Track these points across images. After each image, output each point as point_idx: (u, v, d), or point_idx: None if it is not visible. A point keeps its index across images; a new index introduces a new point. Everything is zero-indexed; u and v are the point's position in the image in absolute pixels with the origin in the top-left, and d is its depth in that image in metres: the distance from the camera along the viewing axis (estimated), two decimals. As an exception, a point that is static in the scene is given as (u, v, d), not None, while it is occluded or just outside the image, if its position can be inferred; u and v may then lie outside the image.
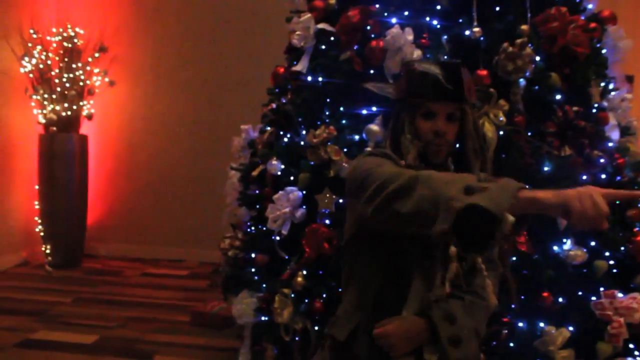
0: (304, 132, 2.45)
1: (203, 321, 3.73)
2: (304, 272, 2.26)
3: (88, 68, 5.33)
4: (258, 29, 5.34)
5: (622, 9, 5.15)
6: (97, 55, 5.37)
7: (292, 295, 2.26)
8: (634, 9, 5.24)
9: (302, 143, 2.42)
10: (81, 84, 5.26)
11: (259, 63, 4.61)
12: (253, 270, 2.55)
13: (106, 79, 5.46)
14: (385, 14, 2.37)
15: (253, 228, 2.68)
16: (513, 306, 2.09)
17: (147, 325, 3.71)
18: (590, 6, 2.72)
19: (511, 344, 2.14)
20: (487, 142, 2.10)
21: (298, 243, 2.30)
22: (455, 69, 1.47)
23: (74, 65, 5.20)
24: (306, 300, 2.25)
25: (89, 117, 5.35)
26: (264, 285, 2.46)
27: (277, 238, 2.41)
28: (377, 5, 2.41)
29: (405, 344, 1.42)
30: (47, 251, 5.10)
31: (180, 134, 5.61)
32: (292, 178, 2.39)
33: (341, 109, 2.34)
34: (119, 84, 5.54)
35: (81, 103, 5.29)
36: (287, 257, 2.39)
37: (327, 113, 2.40)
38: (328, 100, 2.40)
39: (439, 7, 2.31)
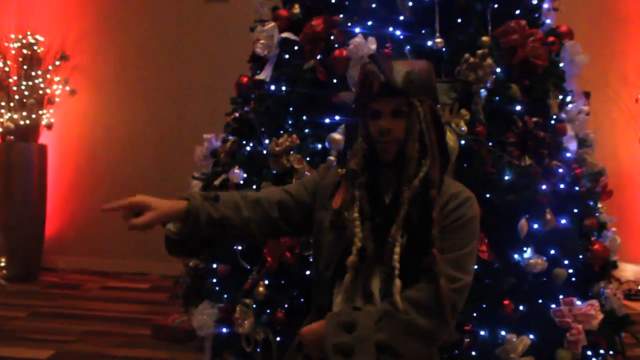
0: (266, 141, 2.44)
1: (164, 334, 3.65)
2: (266, 282, 2.23)
3: (48, 76, 5.21)
4: (222, 37, 5.31)
5: (578, 26, 5.31)
6: (57, 63, 5.27)
7: (254, 306, 2.22)
8: (590, 26, 5.40)
9: (264, 152, 2.40)
10: (41, 92, 5.14)
11: (223, 72, 4.59)
12: (214, 280, 2.51)
13: (67, 88, 5.35)
14: (349, 24, 2.39)
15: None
16: (475, 314, 2.10)
17: (106, 340, 3.61)
18: (548, 21, 2.79)
19: (473, 353, 2.14)
20: (449, 151, 2.12)
21: (260, 252, 2.27)
22: (385, 63, 1.43)
23: (33, 73, 5.09)
24: (268, 311, 2.23)
25: (49, 126, 5.24)
26: (225, 296, 2.42)
27: (239, 248, 2.38)
28: (341, 15, 2.42)
29: (316, 348, 1.39)
30: (2, 264, 4.94)
31: (142, 143, 5.52)
32: (254, 187, 2.37)
33: (304, 117, 2.34)
34: (80, 93, 5.44)
35: (40, 112, 5.17)
36: (248, 267, 2.36)
37: (290, 122, 2.39)
38: (291, 109, 2.39)
39: (402, 18, 2.33)
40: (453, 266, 1.39)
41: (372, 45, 2.20)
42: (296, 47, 2.51)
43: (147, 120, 5.52)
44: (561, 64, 2.68)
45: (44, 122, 5.22)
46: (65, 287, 4.91)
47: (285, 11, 2.59)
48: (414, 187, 1.38)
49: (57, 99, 5.31)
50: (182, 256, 1.50)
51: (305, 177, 1.48)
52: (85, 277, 5.30)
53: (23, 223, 5.05)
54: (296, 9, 2.54)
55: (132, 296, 4.75)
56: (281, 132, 2.40)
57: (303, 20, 2.54)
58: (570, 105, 2.58)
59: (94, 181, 5.58)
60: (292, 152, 2.26)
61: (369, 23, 2.33)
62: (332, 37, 2.37)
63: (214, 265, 2.54)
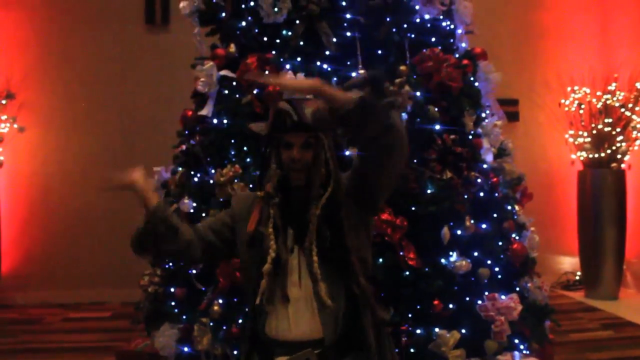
0: (212, 171, 2.64)
1: (129, 359, 3.76)
2: (220, 301, 2.43)
3: (-5, 116, 5.26)
4: (166, 68, 5.45)
5: (504, 41, 5.70)
6: (4, 102, 5.31)
7: (211, 324, 2.42)
8: (514, 41, 5.81)
9: (211, 182, 2.60)
10: (-12, 132, 5.18)
11: (169, 102, 4.76)
12: (173, 303, 2.69)
13: (15, 125, 5.40)
14: (281, 60, 2.62)
15: (171, 264, 2.82)
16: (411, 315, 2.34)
17: (70, 371, 3.70)
18: (463, 45, 3.08)
19: (412, 350, 2.39)
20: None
21: (213, 275, 2.47)
22: (298, 103, 1.68)
23: (-21, 114, 5.12)
24: (224, 327, 2.42)
25: (-1, 164, 5.27)
26: (184, 317, 2.60)
27: (194, 271, 2.57)
28: (273, 52, 2.66)
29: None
30: (-41, 305, 4.93)
31: (94, 176, 5.58)
32: (203, 215, 2.56)
33: (245, 148, 2.55)
34: (29, 129, 5.47)
35: (-12, 151, 5.19)
36: (203, 289, 2.55)
37: (232, 153, 2.60)
38: (233, 140, 2.60)
39: (328, 53, 2.58)
40: None
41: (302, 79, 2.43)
42: (234, 83, 2.73)
43: (97, 153, 5.58)
44: (477, 83, 2.97)
45: (-6, 161, 5.23)
46: (25, 323, 4.92)
47: (222, 50, 2.80)
48: (321, 205, 1.64)
49: (4, 138, 5.34)
50: (141, 249, 1.77)
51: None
52: (46, 311, 5.31)
53: (-23, 262, 5.04)
54: (232, 48, 2.76)
55: (94, 325, 4.81)
56: (225, 162, 2.61)
57: (239, 57, 2.75)
58: (485, 121, 2.86)
59: (48, 215, 5.60)
60: (236, 181, 2.47)
61: (298, 59, 2.56)
62: (266, 73, 2.59)
63: (172, 289, 2.71)
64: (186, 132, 3.03)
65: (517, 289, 2.73)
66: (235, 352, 2.39)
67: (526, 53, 5.91)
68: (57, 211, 5.60)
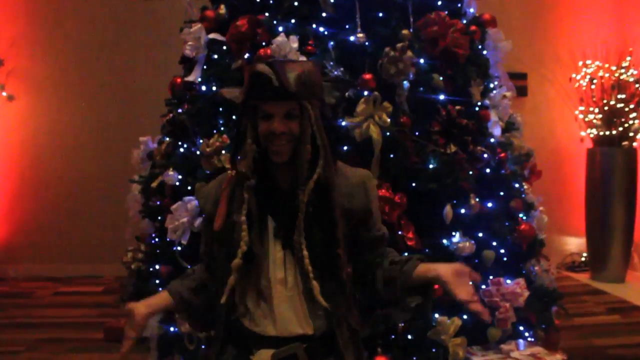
0: (200, 141, 2.46)
1: (116, 336, 3.62)
2: (205, 281, 2.26)
3: (-18, 83, 5.09)
4: (160, 35, 5.24)
5: (512, 11, 5.46)
6: (-9, 69, 5.14)
7: (194, 305, 2.25)
8: (523, 11, 5.56)
9: (198, 153, 2.43)
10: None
11: (162, 71, 4.55)
12: (157, 281, 2.53)
13: (4, 94, 5.23)
14: (274, 22, 2.42)
15: (158, 240, 2.66)
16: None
17: (58, 347, 3.59)
18: (471, 10, 2.87)
19: (409, 336, 2.23)
20: (374, 143, 2.19)
21: (198, 252, 2.30)
22: (280, 67, 1.44)
23: (-34, 81, 4.95)
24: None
25: (-13, 134, 5.11)
26: (168, 297, 2.44)
27: (178, 248, 2.41)
28: (266, 14, 2.46)
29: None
30: (-53, 277, 4.83)
31: (86, 146, 5.44)
32: (189, 188, 2.39)
33: (234, 117, 2.37)
34: (18, 98, 5.32)
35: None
36: (188, 267, 2.38)
37: (220, 122, 2.42)
38: (221, 109, 2.42)
39: (324, 15, 2.38)
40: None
41: (294, 43, 2.24)
42: (224, 47, 2.53)
43: (89, 123, 5.44)
44: (485, 52, 2.77)
45: (-18, 130, 5.08)
46: (15, 296, 4.83)
47: (212, 12, 2.60)
48: (309, 189, 1.43)
49: (-6, 106, 5.18)
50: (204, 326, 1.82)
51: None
52: (37, 284, 5.21)
53: (-34, 234, 4.93)
54: (222, 10, 2.56)
55: (85, 300, 4.71)
56: (214, 132, 2.43)
57: (229, 20, 2.55)
58: (493, 92, 2.67)
59: (39, 187, 5.47)
60: (223, 152, 2.29)
61: (292, 21, 2.37)
62: (257, 37, 2.39)
63: (156, 267, 2.56)
64: (175, 100, 2.85)
65: (523, 272, 2.57)
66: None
67: (536, 24, 5.66)
68: (48, 183, 5.47)
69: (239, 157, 1.52)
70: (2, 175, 5.42)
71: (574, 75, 5.45)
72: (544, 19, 5.71)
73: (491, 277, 2.34)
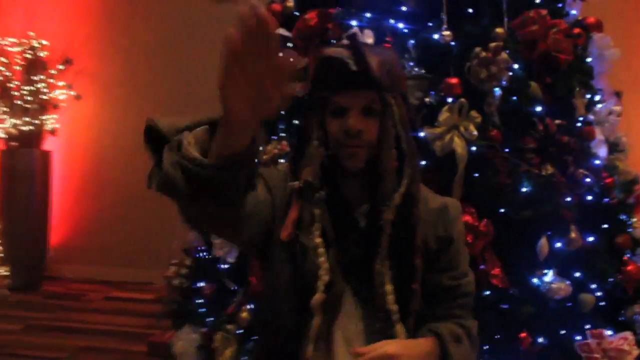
0: (259, 148, 2.19)
1: (159, 351, 3.41)
2: (250, 307, 1.98)
3: (52, 81, 5.06)
4: (232, 36, 5.09)
5: (607, 20, 4.96)
6: (61, 67, 5.11)
7: (237, 332, 1.98)
8: (620, 21, 5.06)
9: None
10: (44, 97, 4.98)
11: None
12: (200, 301, 2.28)
13: (72, 93, 5.19)
14: (348, 17, 2.13)
15: (204, 254, 2.41)
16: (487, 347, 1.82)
17: (99, 357, 3.42)
18: (573, 12, 2.51)
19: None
20: (457, 158, 1.85)
21: (246, 272, 2.03)
22: (359, 49, 1.12)
23: (36, 78, 4.93)
24: (253, 338, 1.98)
25: (52, 132, 5.08)
26: (210, 319, 2.18)
27: (224, 266, 2.14)
28: (338, 8, 2.17)
29: None
30: (6, 273, 4.79)
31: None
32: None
33: (296, 122, 2.09)
34: (86, 98, 5.27)
35: (44, 117, 5.01)
36: (234, 288, 2.11)
37: (281, 127, 2.14)
38: (282, 112, 2.14)
39: (404, 9, 2.07)
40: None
41: (369, 38, 1.94)
42: (290, 45, 2.27)
43: (156, 126, 5.33)
44: (588, 59, 2.39)
45: (47, 128, 5.06)
46: (66, 298, 4.74)
47: (279, 5, 2.34)
48: (395, 205, 1.11)
49: (62, 104, 5.15)
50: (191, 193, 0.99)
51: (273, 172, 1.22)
52: (90, 287, 5.12)
53: (26, 231, 4.91)
54: (290, 3, 2.29)
55: (134, 308, 4.56)
56: (274, 137, 2.16)
57: (299, 15, 2.29)
58: (599, 106, 2.28)
59: (100, 188, 5.41)
60: (281, 161, 2.01)
61: (368, 15, 2.07)
62: (327, 32, 2.11)
63: (201, 284, 2.30)
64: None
65: (622, 319, 2.15)
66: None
67: (634, 36, 5.14)
68: (110, 186, 5.39)
69: (301, 163, 1.19)
70: (66, 175, 5.39)
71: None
72: (627, 32, 5.17)
73: (588, 327, 1.95)
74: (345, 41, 1.84)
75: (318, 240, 1.10)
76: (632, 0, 5.13)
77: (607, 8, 4.77)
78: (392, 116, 1.13)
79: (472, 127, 1.86)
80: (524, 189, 1.89)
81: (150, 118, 1.03)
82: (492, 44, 1.91)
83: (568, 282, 1.90)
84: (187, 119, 1.01)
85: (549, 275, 1.90)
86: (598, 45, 2.48)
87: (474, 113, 1.89)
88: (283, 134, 2.17)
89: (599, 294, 2.07)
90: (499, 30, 2.00)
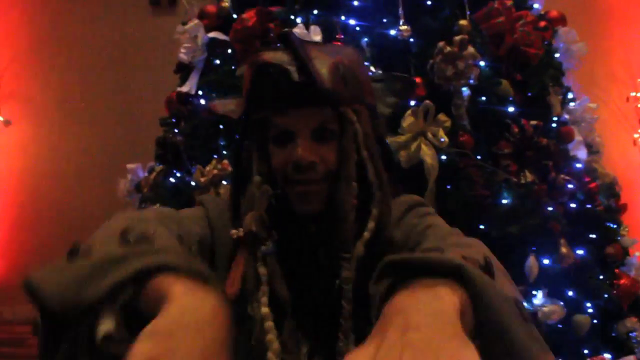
0: (195, 169, 1.91)
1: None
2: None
3: (-25, 106, 4.67)
4: (174, 59, 4.80)
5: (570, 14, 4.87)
6: (-14, 91, 4.72)
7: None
8: (570, 23, 4.98)
9: (193, 183, 1.87)
10: (-32, 124, 4.59)
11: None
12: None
13: (0, 118, 4.80)
14: (292, 15, 1.88)
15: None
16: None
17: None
18: (536, 5, 2.31)
19: None
20: (426, 170, 1.60)
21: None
22: (303, 51, 0.82)
23: (-42, 104, 4.54)
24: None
25: (-20, 162, 4.67)
26: None
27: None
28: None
29: None
30: None
31: (91, 176, 4.98)
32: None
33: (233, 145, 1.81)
34: (16, 123, 4.89)
35: (-31, 146, 4.61)
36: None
37: (222, 143, 1.86)
38: (222, 126, 1.86)
39: (356, 3, 1.82)
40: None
41: (317, 35, 1.68)
42: (229, 50, 2.00)
43: (95, 150, 4.98)
44: (556, 54, 2.20)
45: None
46: (7, 344, 4.33)
47: (213, 7, 2.07)
48: (357, 257, 0.83)
49: (-11, 131, 4.76)
50: None
51: (189, 224, 0.89)
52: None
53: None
54: (226, 3, 2.02)
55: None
56: (215, 156, 1.88)
57: (236, 15, 2.03)
58: (572, 104, 2.08)
59: (38, 219, 5.01)
60: (223, 182, 1.73)
61: (315, 12, 1.81)
62: (269, 33, 1.85)
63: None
64: (173, 119, 2.31)
65: (613, 335, 1.94)
66: None
67: (585, 37, 5.06)
68: (50, 216, 5.00)
69: (242, 205, 0.91)
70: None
71: (632, 94, 4.83)
72: (595, 32, 5.10)
73: (586, 352, 1.72)
74: (297, 30, 1.56)
75: (265, 310, 0.81)
76: (579, 4, 5.08)
77: (569, 3, 4.69)
78: (354, 137, 0.86)
79: (441, 133, 1.61)
80: (504, 201, 1.65)
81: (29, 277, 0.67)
82: (457, 38, 1.67)
83: (561, 304, 1.67)
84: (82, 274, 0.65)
85: (539, 297, 1.66)
86: (564, 39, 2.31)
87: (442, 117, 1.64)
88: (224, 152, 1.89)
89: (590, 311, 1.85)
90: (462, 22, 1.77)
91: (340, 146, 0.86)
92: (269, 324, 0.80)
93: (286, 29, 0.88)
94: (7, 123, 4.84)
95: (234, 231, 0.86)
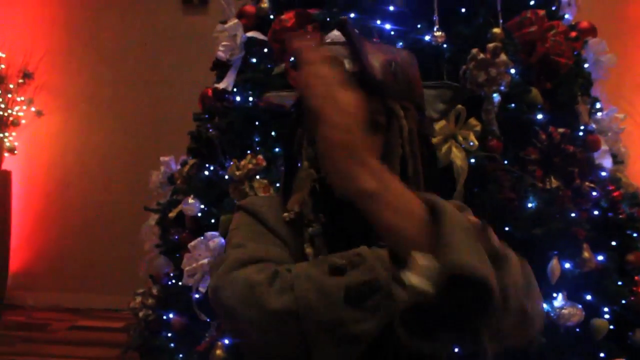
0: (230, 163, 1.98)
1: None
2: (225, 342, 1.75)
3: (10, 96, 4.78)
4: (202, 50, 4.87)
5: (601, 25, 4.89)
6: (21, 81, 4.83)
7: (211, 374, 1.75)
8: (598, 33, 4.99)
9: (226, 177, 1.94)
10: (2, 113, 4.71)
11: (204, 87, 4.18)
12: (169, 335, 2.04)
13: (32, 109, 4.92)
14: (329, 18, 1.94)
15: (174, 282, 2.18)
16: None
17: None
18: (567, 16, 2.36)
19: None
20: (456, 172, 1.66)
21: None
22: (359, 44, 0.88)
23: (-7, 92, 4.67)
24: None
25: (11, 150, 4.80)
26: (181, 356, 1.95)
27: (196, 296, 1.91)
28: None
29: None
30: (-39, 302, 4.49)
31: (118, 169, 5.08)
32: (213, 221, 1.90)
33: (273, 133, 1.88)
34: (47, 114, 5.00)
35: (2, 135, 4.74)
36: (208, 320, 1.88)
37: (257, 139, 1.93)
38: (258, 122, 1.93)
39: (392, 9, 1.88)
40: None
41: (354, 39, 1.74)
42: (265, 49, 2.07)
43: (123, 143, 5.09)
44: (586, 65, 2.24)
45: (5, 146, 4.78)
46: (28, 329, 4.44)
47: (252, 7, 2.15)
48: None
49: (22, 121, 4.87)
50: None
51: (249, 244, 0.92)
52: (54, 315, 4.81)
53: (-18, 257, 4.61)
54: (265, 3, 2.10)
55: (102, 337, 4.28)
56: (249, 152, 1.95)
57: (275, 17, 2.10)
58: (600, 114, 2.12)
59: (64, 210, 5.12)
60: (257, 177, 1.80)
61: (352, 15, 1.88)
62: (306, 35, 1.91)
63: (169, 316, 2.07)
64: (207, 115, 2.39)
65: (629, 342, 1.98)
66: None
67: (612, 48, 5.06)
68: (75, 207, 5.11)
69: (291, 189, 0.98)
70: (27, 196, 5.09)
71: (659, 107, 4.82)
72: (622, 43, 5.09)
73: (602, 356, 1.76)
74: (335, 32, 1.63)
75: None
76: (608, 14, 5.08)
77: (598, 13, 4.71)
78: (399, 132, 0.91)
79: (471, 137, 1.67)
80: (529, 205, 1.70)
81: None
82: (491, 45, 1.73)
83: (580, 307, 1.72)
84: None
85: (559, 300, 1.71)
86: (594, 50, 2.35)
87: (473, 121, 1.70)
88: (258, 148, 1.97)
89: (607, 316, 1.89)
90: (496, 30, 1.82)
91: (386, 139, 0.91)
92: None
93: (344, 16, 0.94)
94: (39, 114, 4.96)
95: (285, 214, 0.93)
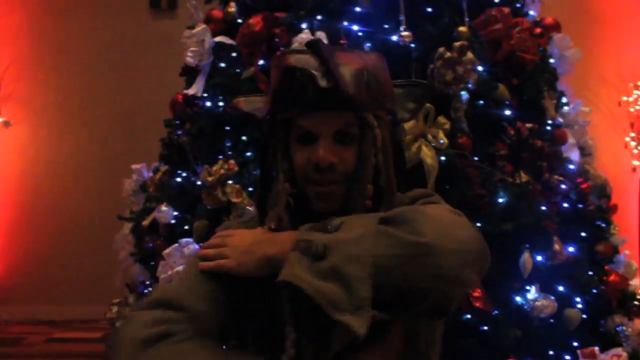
0: (202, 169, 1.97)
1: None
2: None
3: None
4: (172, 56, 4.83)
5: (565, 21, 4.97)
6: (-14, 92, 4.76)
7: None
8: (563, 28, 5.07)
9: (198, 183, 1.93)
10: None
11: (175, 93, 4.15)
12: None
13: None
14: (296, 21, 1.95)
15: (150, 289, 2.16)
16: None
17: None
18: (532, 12, 2.39)
19: None
20: (426, 170, 1.68)
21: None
22: (329, 55, 0.87)
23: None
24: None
25: (-21, 162, 4.71)
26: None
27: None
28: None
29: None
30: None
31: (90, 177, 5.02)
32: (186, 227, 1.89)
33: (243, 138, 1.88)
34: (16, 124, 4.93)
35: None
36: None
37: (228, 144, 1.93)
38: (228, 127, 1.93)
39: (359, 10, 1.89)
40: None
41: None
42: (234, 54, 2.07)
43: (94, 152, 5.03)
44: (551, 60, 2.28)
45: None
46: (3, 344, 4.37)
47: (220, 12, 2.14)
48: None
49: (-11, 133, 4.79)
50: None
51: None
52: (30, 329, 4.74)
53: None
54: (232, 8, 2.09)
55: (80, 349, 4.24)
56: (220, 157, 1.94)
57: (242, 21, 2.09)
58: (566, 108, 2.16)
59: (36, 220, 5.05)
60: (229, 182, 1.79)
61: (319, 17, 1.89)
62: (274, 38, 1.92)
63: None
64: (177, 121, 2.37)
65: (602, 331, 2.02)
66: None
67: (577, 41, 5.13)
68: (48, 217, 5.03)
69: (266, 204, 0.99)
70: (-2, 208, 5.01)
71: (624, 99, 4.92)
72: (587, 36, 5.19)
73: (576, 345, 1.80)
74: (303, 36, 1.64)
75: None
76: (572, 8, 5.17)
77: (562, 8, 4.78)
78: (373, 142, 0.92)
79: (440, 135, 1.69)
80: (500, 200, 1.73)
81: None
82: (457, 43, 1.75)
83: (552, 298, 1.75)
84: None
85: (532, 292, 1.74)
86: (559, 45, 2.38)
87: (441, 119, 1.72)
88: (230, 152, 1.96)
89: (579, 306, 1.93)
90: (462, 29, 1.85)
91: (359, 150, 0.92)
92: (289, 330, 0.86)
93: (315, 38, 0.95)
94: (6, 124, 4.89)
95: (262, 228, 0.93)
